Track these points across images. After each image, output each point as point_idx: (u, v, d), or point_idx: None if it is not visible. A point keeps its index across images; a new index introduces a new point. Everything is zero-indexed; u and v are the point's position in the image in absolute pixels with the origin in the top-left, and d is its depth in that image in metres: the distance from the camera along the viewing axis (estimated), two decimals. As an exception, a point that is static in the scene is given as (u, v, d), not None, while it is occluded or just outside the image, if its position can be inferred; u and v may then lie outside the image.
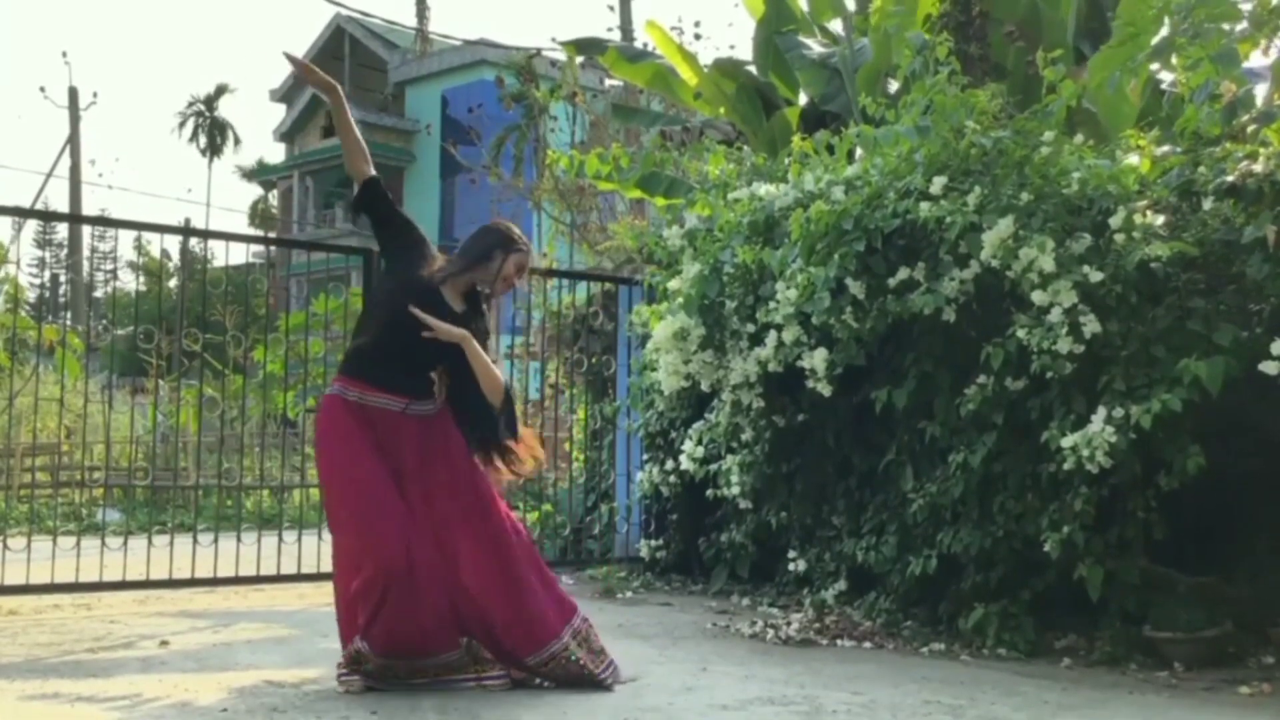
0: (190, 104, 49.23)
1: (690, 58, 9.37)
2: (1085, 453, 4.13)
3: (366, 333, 3.94)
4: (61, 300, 50.00)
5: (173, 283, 33.74)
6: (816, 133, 6.09)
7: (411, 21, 38.73)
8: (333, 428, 3.80)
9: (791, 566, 5.75)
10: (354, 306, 9.48)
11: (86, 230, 34.31)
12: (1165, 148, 4.96)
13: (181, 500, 11.21)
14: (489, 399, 3.85)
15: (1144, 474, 4.29)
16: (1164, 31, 6.21)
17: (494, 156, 14.41)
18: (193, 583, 6.20)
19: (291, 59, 3.97)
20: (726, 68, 9.28)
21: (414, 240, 3.99)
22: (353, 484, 3.72)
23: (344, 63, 39.40)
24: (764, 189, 5.73)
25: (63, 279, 53.14)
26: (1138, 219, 4.41)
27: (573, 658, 3.77)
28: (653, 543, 6.91)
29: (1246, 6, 5.19)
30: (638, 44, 11.46)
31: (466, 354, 3.81)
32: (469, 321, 3.87)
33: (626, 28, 15.80)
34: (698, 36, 15.60)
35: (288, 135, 40.62)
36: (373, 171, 3.98)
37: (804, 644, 4.78)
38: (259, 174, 44.28)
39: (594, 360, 7.73)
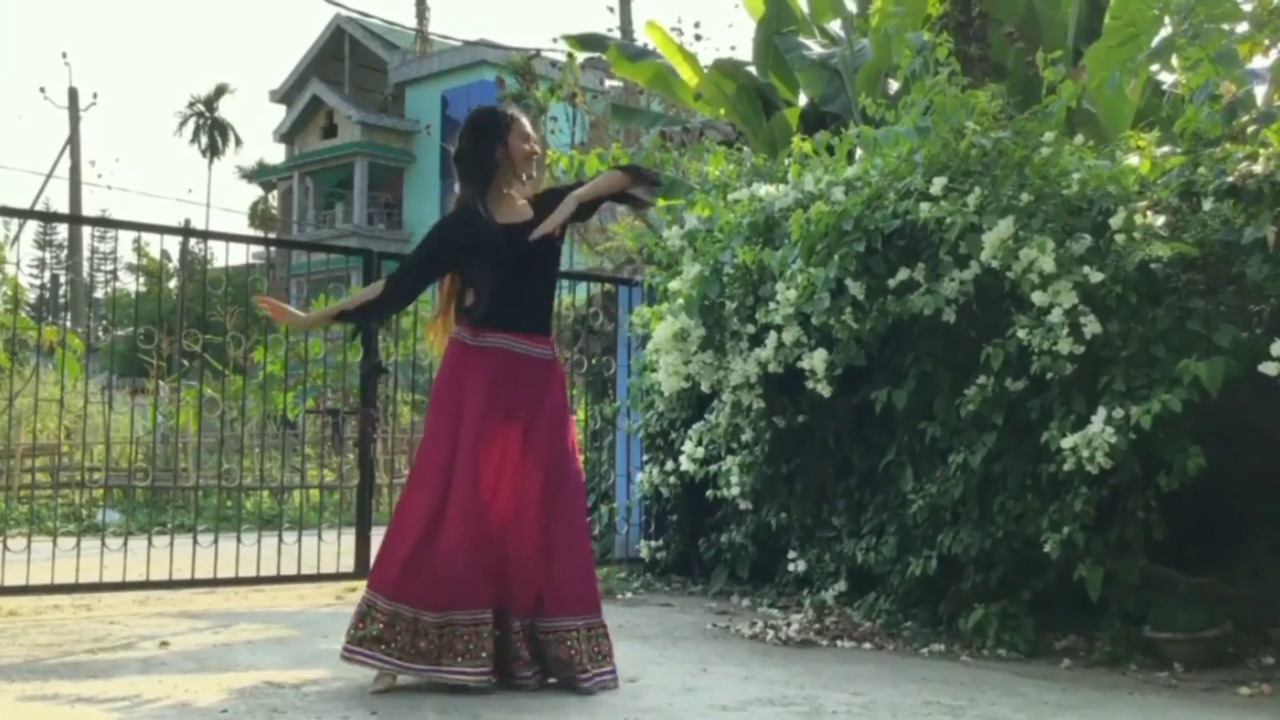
0: (190, 104, 49.26)
1: (690, 58, 9.38)
2: (1085, 453, 4.13)
3: (479, 295, 3.90)
4: (61, 301, 50.04)
5: (173, 283, 33.75)
6: (816, 133, 6.09)
7: (411, 22, 38.76)
8: (449, 382, 3.85)
9: (791, 567, 5.75)
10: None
11: (86, 231, 34.36)
12: (1165, 148, 4.96)
13: (181, 501, 11.21)
14: (629, 191, 4.03)
15: (1144, 474, 4.29)
16: (1164, 31, 6.22)
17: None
18: (193, 583, 6.20)
19: (268, 304, 4.14)
20: (727, 68, 9.29)
21: (453, 234, 3.93)
22: (432, 459, 3.79)
23: (344, 63, 39.45)
24: (764, 190, 5.73)
25: (63, 280, 53.20)
26: (1138, 220, 4.40)
27: (570, 643, 3.76)
28: (653, 543, 6.91)
29: (1247, 7, 5.20)
30: (638, 45, 11.47)
31: (589, 198, 3.92)
32: (540, 211, 3.92)
33: (626, 28, 15.82)
34: (698, 37, 15.55)
35: (288, 136, 40.65)
36: (378, 283, 4.03)
37: (804, 645, 4.78)
38: (259, 175, 44.30)
39: (594, 361, 7.73)
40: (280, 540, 6.66)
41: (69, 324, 29.72)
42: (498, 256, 3.84)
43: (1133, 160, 4.80)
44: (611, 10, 18.56)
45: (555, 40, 11.04)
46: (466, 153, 3.93)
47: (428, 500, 3.74)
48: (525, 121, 4.00)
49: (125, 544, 6.06)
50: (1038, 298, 4.32)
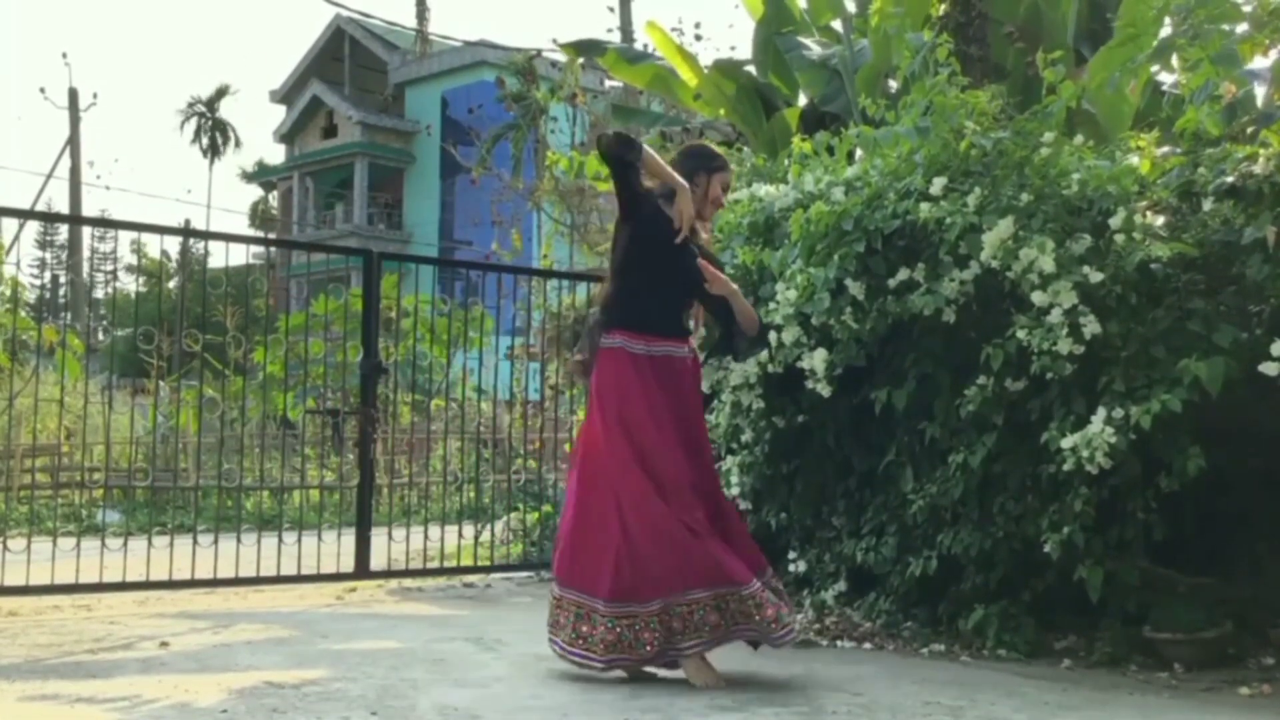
0: (191, 104, 49.27)
1: (690, 59, 9.38)
2: (1085, 453, 4.13)
3: (638, 286, 4.11)
4: (62, 301, 50.06)
5: (173, 283, 33.76)
6: (816, 133, 6.08)
7: (411, 22, 38.75)
8: (615, 383, 4.03)
9: (791, 567, 5.74)
10: (354, 308, 9.47)
11: (86, 231, 34.37)
12: (1165, 148, 4.96)
13: (181, 501, 11.19)
14: (747, 332, 4.31)
15: (1144, 475, 4.29)
16: (1165, 32, 6.22)
17: (487, 150, 14.43)
18: (193, 584, 6.20)
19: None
20: (726, 69, 9.29)
21: (651, 205, 4.12)
22: (609, 455, 3.96)
23: (344, 64, 39.45)
24: (764, 190, 5.73)
25: (63, 280, 53.23)
26: (1138, 220, 4.40)
27: (771, 598, 3.90)
28: (653, 543, 6.89)
29: (1247, 7, 5.20)
30: (638, 45, 11.48)
31: (733, 305, 4.21)
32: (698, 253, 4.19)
33: (626, 29, 15.83)
34: (698, 38, 15.61)
35: (288, 136, 40.65)
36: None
37: (804, 645, 4.77)
38: (259, 175, 44.30)
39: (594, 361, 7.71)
40: (280, 540, 6.66)
41: (69, 321, 29.70)
42: (663, 250, 4.06)
43: (1133, 160, 4.79)
44: (612, 10, 18.60)
45: (554, 42, 11.05)
46: (674, 165, 4.18)
47: (615, 499, 3.89)
48: (731, 178, 4.33)
49: (125, 544, 6.06)
50: (1037, 298, 4.32)
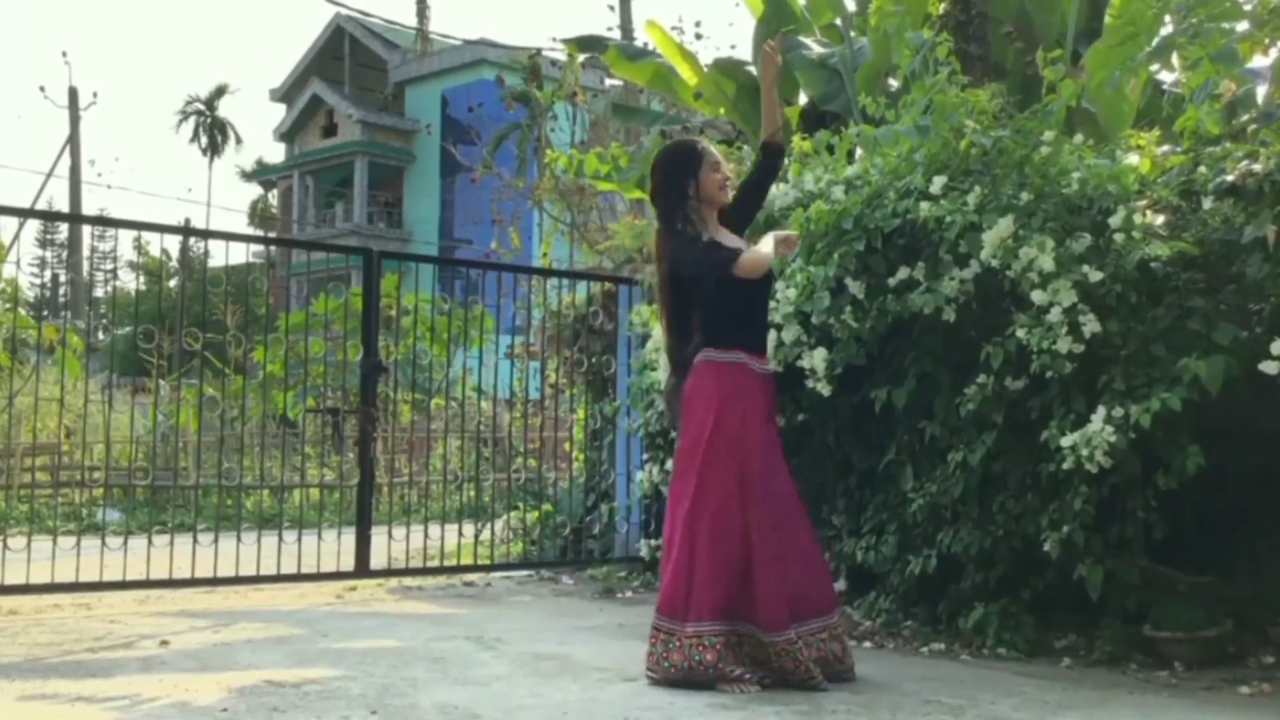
0: (190, 103, 49.26)
1: (690, 57, 9.37)
2: (1085, 452, 4.13)
3: (710, 314, 4.03)
4: (62, 299, 50.07)
5: (173, 282, 33.75)
6: (816, 132, 6.09)
7: (411, 21, 38.77)
8: (707, 397, 3.97)
9: (791, 566, 5.74)
10: (354, 306, 9.47)
11: (86, 230, 34.40)
12: (1165, 147, 4.96)
13: (181, 500, 11.20)
14: (771, 132, 4.23)
15: (1144, 473, 4.29)
16: (1165, 30, 6.21)
17: (491, 151, 14.45)
18: (193, 582, 6.20)
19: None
20: (727, 67, 9.28)
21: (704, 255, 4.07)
22: (705, 476, 3.92)
23: (344, 62, 39.44)
24: (764, 188, 5.72)
25: (63, 278, 53.26)
26: (1138, 218, 4.40)
27: (794, 655, 3.82)
28: (652, 542, 6.90)
29: (1247, 6, 5.19)
30: (638, 44, 11.46)
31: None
32: (736, 233, 4.12)
33: (627, 27, 15.84)
34: (698, 36, 15.69)
35: (288, 135, 40.65)
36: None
37: (804, 643, 4.76)
38: (259, 174, 44.29)
39: (594, 360, 7.73)
40: (280, 539, 6.66)
41: (69, 320, 29.71)
42: (711, 271, 3.97)
43: (1133, 159, 4.79)
44: (612, 9, 18.59)
45: (554, 40, 11.06)
46: (661, 188, 4.10)
47: (727, 520, 3.88)
48: (715, 152, 4.17)
49: (125, 543, 6.06)
50: (1037, 296, 4.32)
